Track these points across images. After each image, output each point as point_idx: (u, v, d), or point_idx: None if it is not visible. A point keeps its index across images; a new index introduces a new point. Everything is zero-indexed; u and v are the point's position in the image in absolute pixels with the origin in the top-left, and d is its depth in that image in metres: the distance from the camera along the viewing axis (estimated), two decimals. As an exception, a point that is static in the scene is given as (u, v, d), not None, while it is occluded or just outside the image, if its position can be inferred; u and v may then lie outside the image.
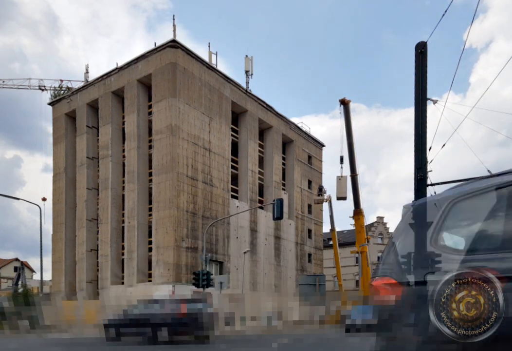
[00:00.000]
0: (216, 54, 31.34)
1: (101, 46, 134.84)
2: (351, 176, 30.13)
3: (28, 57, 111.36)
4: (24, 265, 45.79)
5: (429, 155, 13.37)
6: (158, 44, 28.00)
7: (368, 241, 33.25)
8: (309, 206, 40.61)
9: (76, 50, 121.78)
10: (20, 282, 39.42)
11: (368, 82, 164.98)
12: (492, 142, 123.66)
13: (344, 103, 28.71)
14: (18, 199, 22.56)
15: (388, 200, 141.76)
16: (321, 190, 36.82)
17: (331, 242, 39.82)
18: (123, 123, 30.74)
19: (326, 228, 39.06)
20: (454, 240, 2.51)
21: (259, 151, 35.60)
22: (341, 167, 29.92)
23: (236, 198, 33.33)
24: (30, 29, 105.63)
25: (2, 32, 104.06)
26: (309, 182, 41.55)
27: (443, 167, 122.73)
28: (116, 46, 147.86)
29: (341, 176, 30.51)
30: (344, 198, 31.13)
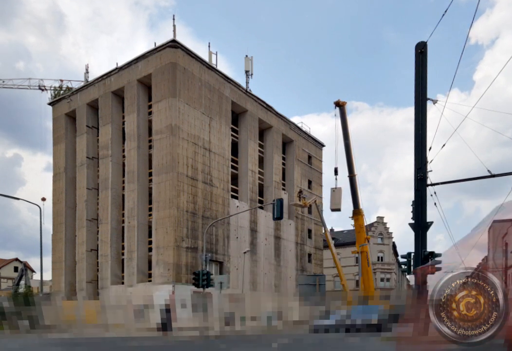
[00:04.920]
0: (216, 54, 31.38)
1: (103, 44, 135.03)
2: (349, 176, 30.23)
3: (32, 56, 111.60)
4: (25, 265, 45.75)
5: (430, 155, 13.37)
6: (158, 44, 28.05)
7: (368, 241, 33.26)
8: (309, 206, 40.58)
9: (77, 49, 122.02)
10: (23, 283, 39.42)
11: (371, 81, 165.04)
12: (497, 141, 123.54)
13: (339, 105, 28.78)
14: (18, 198, 22.56)
15: (390, 199, 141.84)
16: (300, 194, 36.73)
17: (331, 242, 39.73)
18: (123, 123, 30.74)
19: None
20: None
21: (259, 151, 35.60)
22: (336, 178, 30.16)
23: (236, 198, 33.33)
24: (35, 27, 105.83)
25: (7, 30, 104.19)
26: (309, 182, 41.55)
27: (446, 166, 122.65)
28: (118, 44, 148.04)
29: (335, 188, 30.73)
30: (338, 209, 31.34)
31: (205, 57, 30.09)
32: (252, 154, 34.06)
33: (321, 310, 15.09)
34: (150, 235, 28.89)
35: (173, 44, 27.42)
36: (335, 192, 30.72)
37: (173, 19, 28.37)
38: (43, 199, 37.88)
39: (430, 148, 13.30)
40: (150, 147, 29.44)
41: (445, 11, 10.98)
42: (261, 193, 35.97)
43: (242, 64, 34.43)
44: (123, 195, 30.60)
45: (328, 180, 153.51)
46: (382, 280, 51.99)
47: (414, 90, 13.57)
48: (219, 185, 30.91)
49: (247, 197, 33.56)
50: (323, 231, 40.46)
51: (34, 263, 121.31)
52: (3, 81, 40.83)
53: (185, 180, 27.81)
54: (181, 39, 27.39)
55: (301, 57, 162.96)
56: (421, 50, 13.04)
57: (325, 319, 15.18)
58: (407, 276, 73.18)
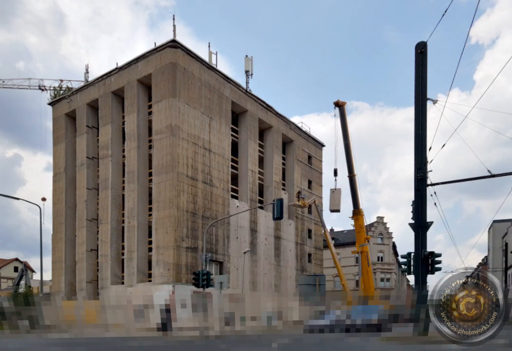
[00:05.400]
0: (216, 54, 31.35)
1: (103, 44, 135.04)
2: (349, 176, 30.27)
3: (33, 56, 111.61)
4: (25, 265, 45.74)
5: (430, 155, 13.36)
6: (158, 44, 28.03)
7: (368, 241, 33.29)
8: (309, 206, 40.60)
9: (77, 49, 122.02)
10: (23, 283, 39.39)
11: (371, 81, 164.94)
12: (497, 141, 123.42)
13: (339, 105, 28.81)
14: (18, 198, 22.57)
15: (390, 199, 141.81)
16: (299, 195, 36.68)
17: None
18: (123, 123, 30.73)
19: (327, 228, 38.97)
20: None
21: (259, 151, 35.59)
22: (335, 179, 30.30)
23: (236, 198, 33.32)
24: (36, 27, 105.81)
25: (7, 30, 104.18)
26: (309, 182, 41.54)
27: (446, 166, 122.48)
28: (118, 44, 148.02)
29: (335, 189, 30.82)
30: (338, 210, 31.39)
31: (205, 57, 30.08)
32: (252, 154, 34.06)
33: (320, 310, 15.07)
34: (150, 235, 28.89)
35: (173, 44, 27.41)
36: (334, 193, 30.83)
37: (173, 19, 28.38)
38: (43, 199, 37.89)
39: (430, 148, 13.31)
40: (150, 147, 29.43)
41: (445, 11, 11.00)
42: (261, 193, 35.96)
43: (242, 64, 34.46)
44: (123, 195, 30.59)
45: (328, 180, 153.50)
46: (382, 280, 52.00)
47: (414, 90, 13.57)
48: (219, 185, 30.90)
49: (247, 197, 33.56)
50: (323, 231, 40.58)
51: (34, 263, 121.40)
52: (3, 81, 40.78)
53: (185, 180, 27.81)
54: (181, 39, 27.38)
55: (301, 57, 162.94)
56: (421, 50, 13.05)
57: (319, 319, 15.16)
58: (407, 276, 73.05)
